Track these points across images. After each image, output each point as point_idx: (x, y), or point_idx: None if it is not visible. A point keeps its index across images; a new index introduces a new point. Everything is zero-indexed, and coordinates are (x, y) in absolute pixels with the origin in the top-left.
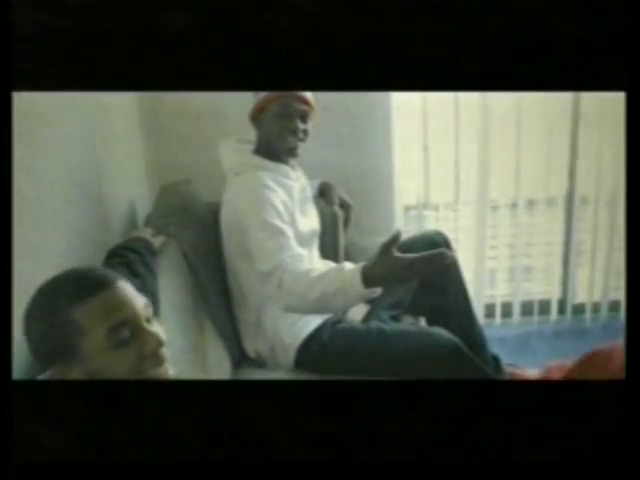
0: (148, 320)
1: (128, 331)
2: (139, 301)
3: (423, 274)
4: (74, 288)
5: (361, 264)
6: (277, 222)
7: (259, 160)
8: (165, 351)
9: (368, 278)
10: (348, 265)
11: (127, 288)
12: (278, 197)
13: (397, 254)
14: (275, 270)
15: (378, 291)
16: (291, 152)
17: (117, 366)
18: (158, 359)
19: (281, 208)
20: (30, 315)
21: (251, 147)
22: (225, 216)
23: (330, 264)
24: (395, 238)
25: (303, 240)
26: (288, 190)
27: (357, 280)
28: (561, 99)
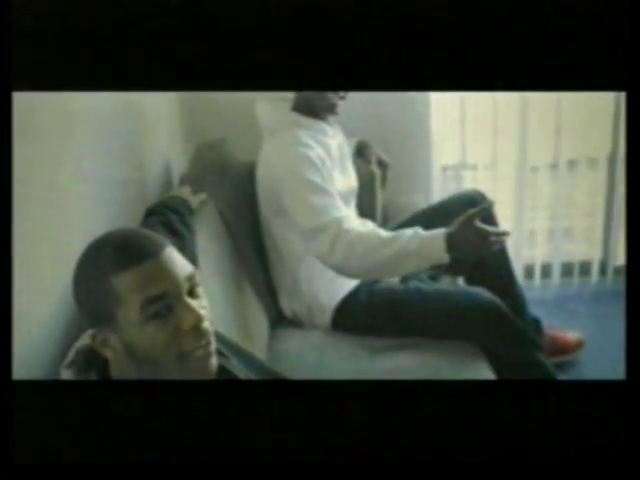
0: (191, 292)
1: (164, 305)
2: (183, 272)
3: (497, 247)
4: (117, 254)
5: (443, 230)
6: (318, 180)
7: (296, 117)
8: (207, 325)
9: (452, 244)
10: (421, 231)
11: (172, 257)
12: (317, 154)
13: (479, 224)
14: (326, 228)
15: (446, 259)
16: (331, 109)
17: (151, 339)
18: (199, 334)
19: (320, 166)
20: (75, 275)
21: (288, 104)
22: (261, 175)
23: (368, 223)
24: (484, 209)
25: (341, 198)
26: (326, 148)
27: (440, 244)
28: None
